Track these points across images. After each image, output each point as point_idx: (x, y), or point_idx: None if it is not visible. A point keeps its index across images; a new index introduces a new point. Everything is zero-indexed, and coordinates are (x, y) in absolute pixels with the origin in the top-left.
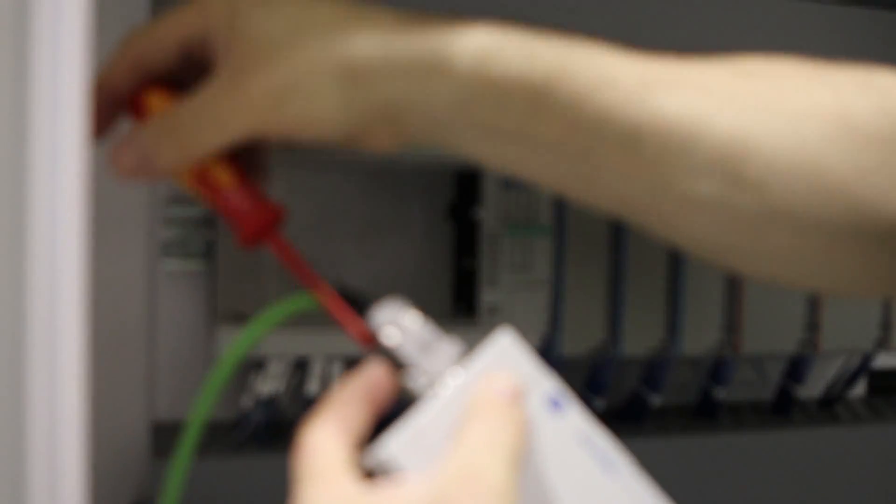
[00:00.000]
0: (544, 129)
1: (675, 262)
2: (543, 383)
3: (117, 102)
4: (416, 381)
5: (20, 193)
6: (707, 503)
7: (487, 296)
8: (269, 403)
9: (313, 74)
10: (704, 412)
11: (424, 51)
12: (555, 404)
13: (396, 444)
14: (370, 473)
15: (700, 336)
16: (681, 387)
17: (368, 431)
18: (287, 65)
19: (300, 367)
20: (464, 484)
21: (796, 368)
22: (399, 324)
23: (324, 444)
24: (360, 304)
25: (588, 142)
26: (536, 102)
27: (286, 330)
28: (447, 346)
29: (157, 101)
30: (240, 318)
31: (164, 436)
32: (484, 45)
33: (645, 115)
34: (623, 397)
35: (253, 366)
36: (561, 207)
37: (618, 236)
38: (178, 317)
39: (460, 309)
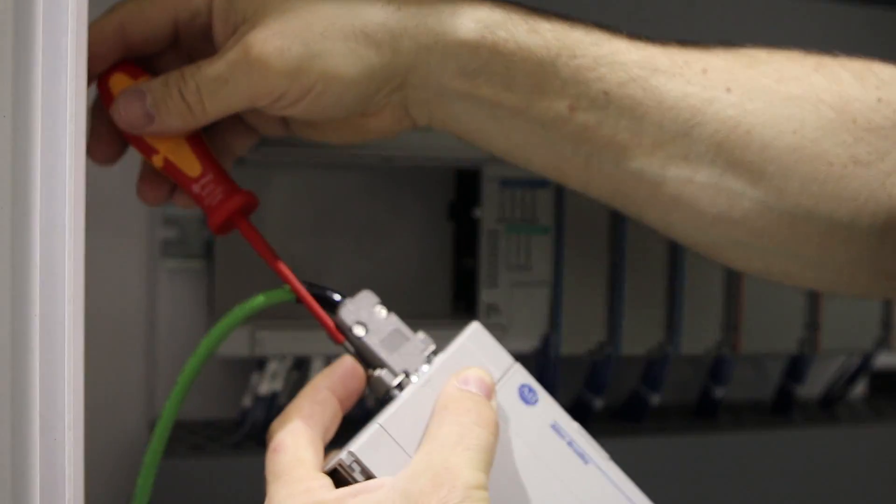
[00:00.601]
0: (547, 105)
1: (675, 262)
2: (515, 375)
3: (90, 74)
4: (386, 378)
5: (20, 193)
6: (707, 503)
7: (487, 295)
8: (269, 403)
9: (330, 39)
10: (704, 411)
11: (434, 19)
12: (527, 395)
13: (366, 445)
14: (340, 475)
15: (699, 335)
16: (680, 386)
17: (336, 426)
18: (304, 28)
19: (300, 367)
20: (435, 484)
21: (796, 368)
22: (368, 320)
23: (293, 443)
24: (329, 299)
25: (589, 121)
26: (540, 77)
27: (286, 330)
28: (418, 342)
29: (123, 82)
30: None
31: None
32: (490, 17)
33: (646, 97)
34: (622, 397)
35: (253, 365)
36: (561, 207)
37: (617, 236)
38: (177, 316)
39: (459, 308)
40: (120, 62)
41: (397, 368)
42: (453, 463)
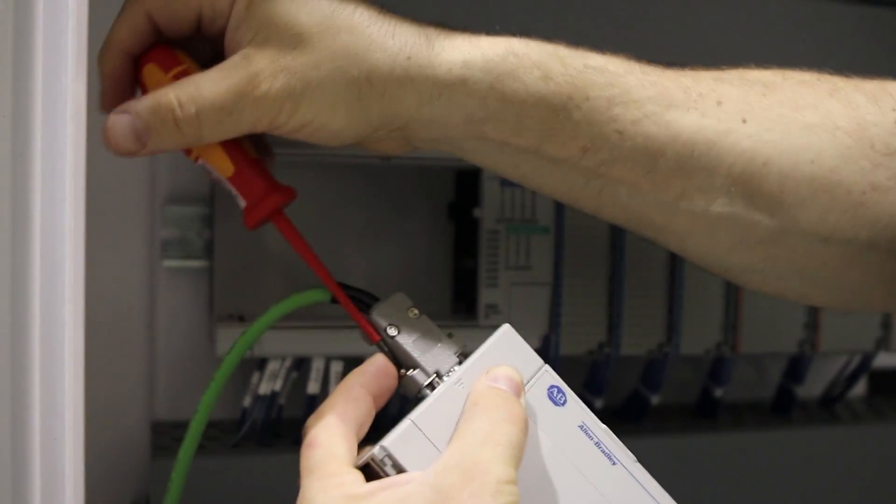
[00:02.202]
0: (559, 147)
1: (675, 262)
2: (544, 376)
3: (126, 65)
4: (417, 378)
5: (20, 193)
6: (707, 503)
7: (487, 295)
8: (269, 402)
9: (335, 84)
10: (704, 412)
11: (443, 71)
12: (555, 396)
13: (398, 440)
14: (372, 469)
15: (699, 335)
16: (680, 386)
17: (369, 423)
18: (311, 67)
19: (300, 367)
20: (465, 479)
21: (796, 368)
22: (401, 321)
23: (327, 439)
24: (363, 300)
25: (603, 159)
26: (552, 122)
27: (286, 330)
28: (448, 343)
29: (155, 75)
30: (239, 318)
31: (163, 435)
32: (501, 66)
33: (661, 133)
34: (622, 397)
35: (253, 365)
36: (561, 207)
37: (617, 236)
38: (177, 316)
39: (460, 308)
40: (155, 46)
41: (429, 368)
42: (483, 458)
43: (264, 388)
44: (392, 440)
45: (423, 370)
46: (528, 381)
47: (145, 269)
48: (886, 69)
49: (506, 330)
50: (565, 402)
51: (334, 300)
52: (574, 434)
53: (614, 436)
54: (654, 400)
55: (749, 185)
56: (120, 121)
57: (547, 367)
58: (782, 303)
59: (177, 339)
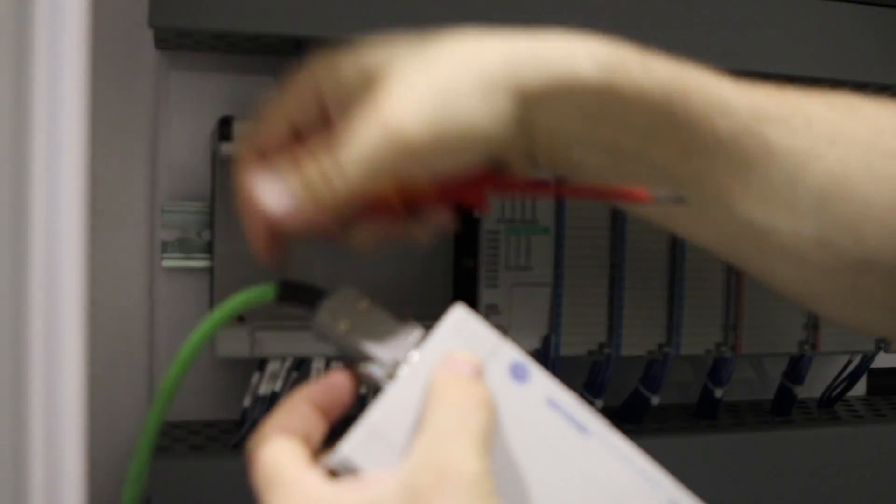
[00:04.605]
0: (661, 150)
1: (675, 262)
2: (504, 353)
3: (285, 136)
4: (375, 372)
5: (20, 193)
6: (707, 503)
7: (487, 296)
8: (270, 403)
9: (460, 92)
10: (704, 412)
11: (556, 62)
12: (518, 373)
13: (355, 442)
14: (334, 475)
15: (700, 336)
16: (680, 387)
17: (319, 436)
18: (431, 86)
19: (300, 368)
20: (435, 475)
21: (796, 368)
22: (350, 314)
23: (272, 451)
24: (309, 296)
25: (700, 167)
26: (655, 121)
27: (286, 330)
28: (403, 331)
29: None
30: (239, 318)
31: (163, 435)
32: (608, 58)
33: (756, 146)
34: (622, 397)
35: (253, 366)
36: (561, 207)
37: (617, 236)
38: (177, 316)
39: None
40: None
41: (386, 360)
42: (453, 452)
43: (264, 389)
44: (348, 443)
45: (380, 363)
46: (488, 361)
47: (145, 269)
48: (886, 69)
49: (457, 311)
50: (530, 377)
51: (282, 298)
52: (541, 411)
53: (584, 404)
54: (655, 400)
55: (836, 208)
56: (275, 192)
57: (506, 342)
58: (782, 303)
59: (177, 339)
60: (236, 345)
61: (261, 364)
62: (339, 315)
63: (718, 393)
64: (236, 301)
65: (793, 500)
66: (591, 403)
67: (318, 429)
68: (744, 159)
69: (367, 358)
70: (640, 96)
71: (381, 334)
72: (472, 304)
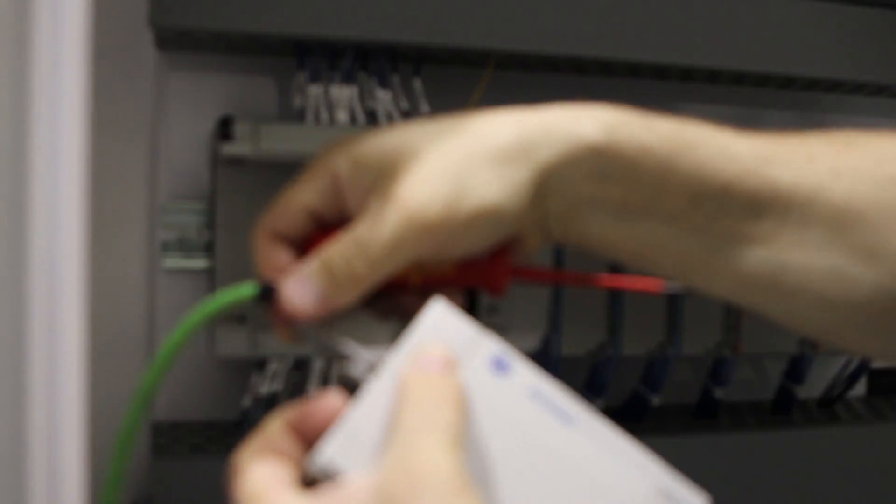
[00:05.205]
0: (670, 201)
1: None
2: (484, 345)
3: (306, 228)
4: (354, 371)
5: (20, 193)
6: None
7: (487, 296)
8: (269, 403)
9: (473, 167)
10: (704, 412)
11: (561, 128)
12: (499, 365)
13: (334, 445)
14: (316, 483)
15: (700, 336)
16: (681, 387)
17: (296, 454)
18: (445, 165)
19: (300, 368)
20: (406, 476)
21: (796, 368)
22: (330, 313)
23: (250, 480)
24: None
25: (710, 213)
26: (662, 174)
27: None
28: (384, 330)
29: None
30: (239, 318)
31: (163, 436)
32: (610, 120)
33: (763, 186)
34: (623, 397)
35: (253, 366)
36: None
37: None
38: (177, 316)
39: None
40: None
41: (364, 358)
42: (422, 451)
43: (265, 389)
44: (329, 448)
45: (359, 362)
46: (466, 356)
47: (145, 269)
48: (886, 70)
49: (436, 306)
50: (511, 370)
51: (262, 298)
52: (524, 404)
53: (568, 394)
54: (655, 400)
55: (847, 237)
56: (300, 283)
57: (486, 335)
58: None
59: None
60: (236, 345)
61: (261, 364)
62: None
63: (718, 393)
64: (216, 302)
65: (793, 500)
66: (591, 403)
67: (293, 447)
68: (752, 200)
69: (345, 357)
70: (644, 152)
71: (359, 333)
72: (473, 304)
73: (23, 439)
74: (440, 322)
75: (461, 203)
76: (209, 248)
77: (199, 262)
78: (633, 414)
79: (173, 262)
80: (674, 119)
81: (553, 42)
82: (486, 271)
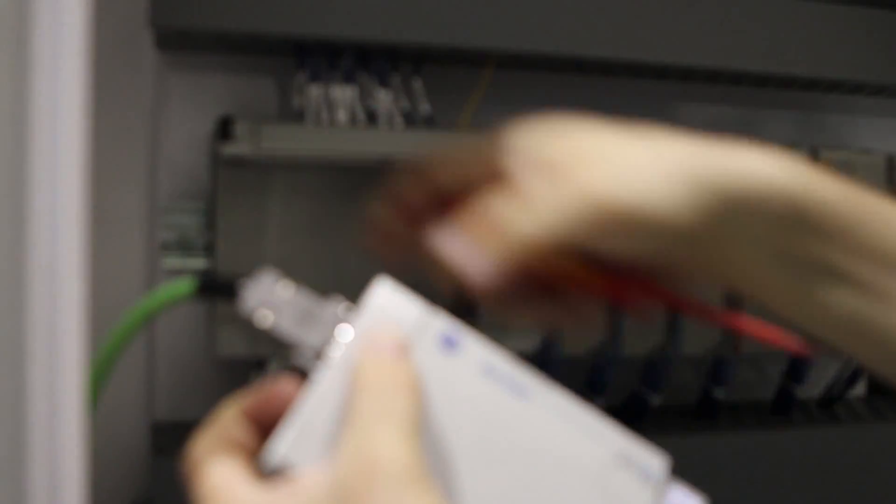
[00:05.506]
0: (853, 261)
1: None
2: (432, 324)
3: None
4: (303, 360)
5: (20, 194)
6: (707, 503)
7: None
8: None
9: (644, 175)
10: (704, 412)
11: (749, 166)
12: (449, 342)
13: (286, 441)
14: (270, 476)
15: (700, 336)
16: (681, 387)
17: (251, 440)
18: (622, 169)
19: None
20: (363, 468)
21: (796, 368)
22: (273, 301)
23: (214, 464)
24: (228, 287)
25: (874, 271)
26: (844, 230)
27: None
28: (330, 313)
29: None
30: (239, 318)
31: (163, 435)
32: (797, 168)
33: (888, 235)
34: (623, 397)
35: (253, 366)
36: None
37: None
38: (177, 316)
39: (460, 308)
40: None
41: (313, 346)
42: (378, 441)
43: None
44: (279, 444)
45: (307, 350)
46: (414, 336)
47: (145, 269)
48: (885, 70)
49: (381, 286)
50: (461, 347)
51: (201, 291)
52: (476, 381)
53: (521, 366)
54: (655, 400)
55: None
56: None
57: (433, 313)
58: None
59: (177, 339)
60: (236, 345)
61: (261, 364)
62: (263, 303)
63: (718, 393)
64: (153, 300)
65: (793, 500)
66: (591, 403)
67: (248, 432)
68: (878, 245)
69: (294, 344)
70: (828, 204)
71: (306, 319)
72: (473, 304)
73: (23, 439)
74: (387, 303)
75: (635, 197)
76: (209, 249)
77: (199, 263)
78: (632, 414)
79: (173, 262)
80: (837, 177)
81: (553, 42)
82: (631, 286)
